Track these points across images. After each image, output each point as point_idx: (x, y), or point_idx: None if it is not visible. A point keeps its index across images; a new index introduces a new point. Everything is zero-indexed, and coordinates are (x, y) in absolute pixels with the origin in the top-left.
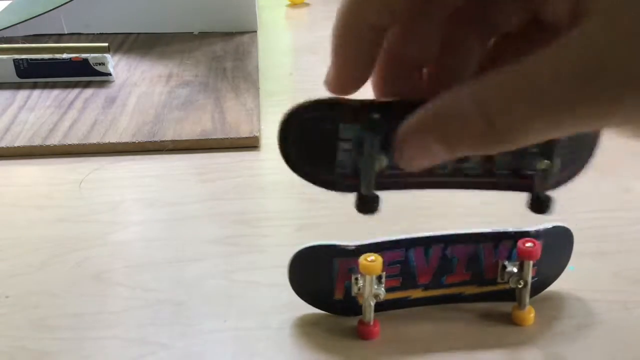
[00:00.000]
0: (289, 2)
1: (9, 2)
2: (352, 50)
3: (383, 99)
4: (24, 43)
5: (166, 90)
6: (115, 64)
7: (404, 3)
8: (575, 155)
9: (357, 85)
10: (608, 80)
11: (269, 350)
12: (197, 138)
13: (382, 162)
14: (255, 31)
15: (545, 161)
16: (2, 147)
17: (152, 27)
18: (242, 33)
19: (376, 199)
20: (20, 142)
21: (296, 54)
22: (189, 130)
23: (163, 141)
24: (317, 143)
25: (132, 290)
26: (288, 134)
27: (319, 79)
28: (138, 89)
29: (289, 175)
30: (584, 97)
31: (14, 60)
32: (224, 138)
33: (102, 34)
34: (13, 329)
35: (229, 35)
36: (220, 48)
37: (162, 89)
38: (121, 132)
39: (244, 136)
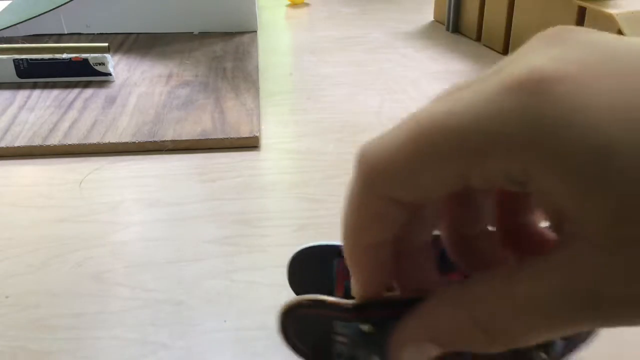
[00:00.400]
0: (289, 2)
1: (9, 2)
2: (367, 268)
3: (375, 299)
4: (24, 43)
5: (166, 90)
6: (115, 64)
7: (397, 223)
8: (576, 339)
9: (383, 288)
10: (599, 301)
11: (269, 350)
12: (197, 138)
13: None
14: (255, 31)
15: (543, 355)
16: (2, 147)
17: (152, 27)
18: (242, 33)
19: None
20: (20, 142)
21: (296, 54)
22: (189, 130)
23: (163, 141)
24: (315, 336)
25: (132, 290)
26: (288, 327)
27: (319, 79)
28: (138, 89)
29: (289, 175)
30: (576, 317)
31: (14, 60)
32: (224, 138)
33: (102, 34)
34: (13, 329)
35: (229, 35)
36: (220, 48)
37: (162, 89)
38: (121, 132)
39: (244, 136)
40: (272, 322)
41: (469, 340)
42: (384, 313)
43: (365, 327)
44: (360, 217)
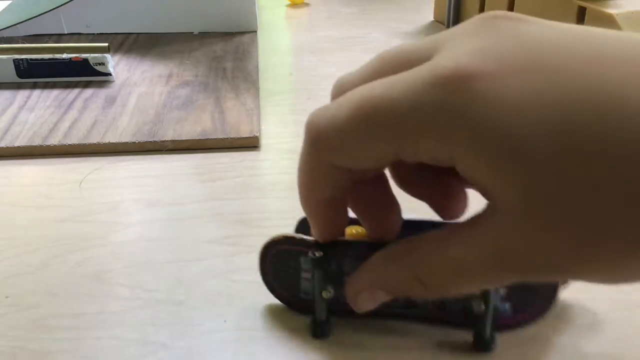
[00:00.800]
0: (289, 2)
1: (9, 2)
2: (321, 219)
3: (339, 240)
4: (24, 43)
5: (166, 90)
6: (115, 64)
7: (341, 183)
8: (530, 303)
9: (339, 234)
10: (515, 264)
11: (269, 350)
12: (197, 138)
13: (329, 292)
14: (255, 31)
15: (482, 305)
16: (2, 147)
17: (152, 27)
18: (242, 33)
19: (326, 325)
20: (20, 142)
21: (296, 54)
22: (189, 130)
23: (163, 141)
24: (286, 271)
25: (132, 290)
26: (265, 262)
27: (318, 79)
28: (138, 89)
29: (289, 175)
30: (497, 276)
31: (14, 60)
32: (224, 138)
33: (102, 34)
34: (13, 329)
35: (229, 35)
36: (220, 48)
37: (162, 89)
38: (121, 132)
39: (244, 136)
40: (272, 322)
41: (411, 291)
42: (347, 252)
43: (316, 253)
44: (308, 177)
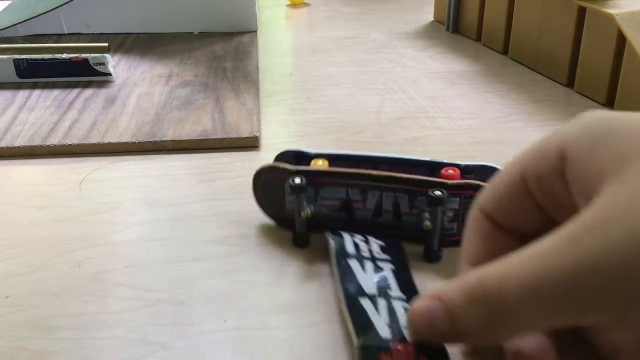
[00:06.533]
0: (289, 2)
1: (9, 2)
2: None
3: (312, 168)
4: (24, 43)
5: (166, 90)
6: (115, 64)
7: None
8: None
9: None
10: None
11: (268, 350)
12: (197, 138)
13: (308, 211)
14: (255, 31)
15: (428, 222)
16: (2, 147)
17: (152, 27)
18: (242, 33)
19: (306, 237)
20: (20, 142)
21: (296, 54)
22: (189, 130)
23: (163, 141)
24: (273, 194)
25: (132, 290)
26: (256, 185)
27: (319, 79)
28: (138, 89)
29: None
30: None
31: (14, 60)
32: (224, 138)
33: (102, 34)
34: (13, 329)
35: (229, 35)
36: (220, 48)
37: (162, 89)
38: (121, 132)
39: (244, 136)
40: (273, 322)
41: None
42: (322, 180)
43: (297, 180)
44: None
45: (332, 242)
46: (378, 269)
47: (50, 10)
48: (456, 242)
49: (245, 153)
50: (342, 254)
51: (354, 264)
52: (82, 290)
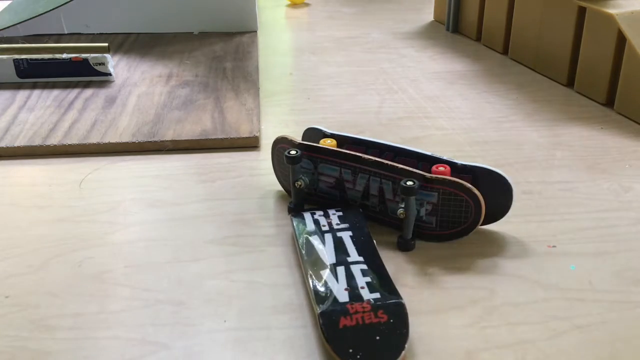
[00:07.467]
0: (289, 2)
1: (9, 2)
2: None
3: (309, 143)
4: (24, 43)
5: (166, 90)
6: (115, 64)
7: None
8: (454, 223)
9: None
10: None
11: (268, 350)
12: (197, 138)
13: (302, 182)
14: (255, 31)
15: (401, 210)
16: (2, 147)
17: (152, 27)
18: (242, 33)
19: (300, 207)
20: (20, 142)
21: (296, 54)
22: (189, 130)
23: (163, 141)
24: (283, 163)
25: (132, 290)
26: (273, 153)
27: (319, 79)
28: (138, 89)
29: None
30: None
31: (14, 60)
32: (224, 138)
33: (102, 34)
34: (13, 329)
35: (229, 35)
36: (220, 48)
37: (162, 89)
38: (121, 132)
39: (244, 136)
40: (273, 322)
41: None
42: (320, 155)
43: (291, 152)
44: None
45: (294, 224)
46: (337, 238)
47: (50, 10)
48: (434, 237)
49: (245, 153)
50: (303, 232)
51: (314, 239)
52: (82, 290)
